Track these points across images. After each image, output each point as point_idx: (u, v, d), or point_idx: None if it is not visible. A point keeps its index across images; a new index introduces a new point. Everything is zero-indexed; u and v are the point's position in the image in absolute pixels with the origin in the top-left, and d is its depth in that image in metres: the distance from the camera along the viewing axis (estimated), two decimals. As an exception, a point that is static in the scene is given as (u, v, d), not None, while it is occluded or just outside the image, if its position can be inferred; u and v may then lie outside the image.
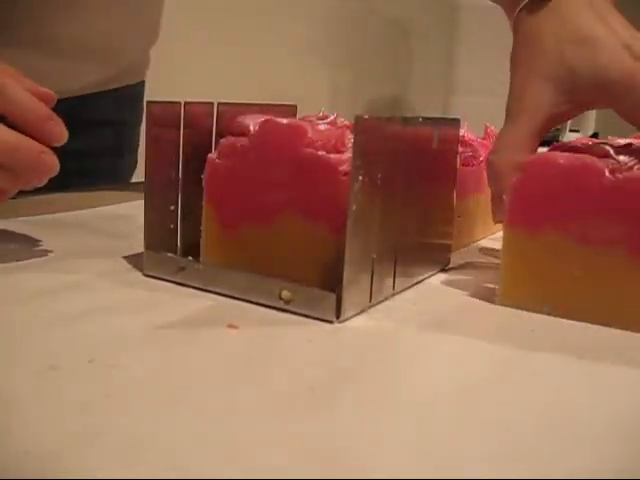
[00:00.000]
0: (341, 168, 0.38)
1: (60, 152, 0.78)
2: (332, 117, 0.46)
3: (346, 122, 0.46)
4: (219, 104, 0.45)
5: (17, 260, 0.44)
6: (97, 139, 0.79)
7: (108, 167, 0.80)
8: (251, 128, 0.41)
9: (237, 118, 0.42)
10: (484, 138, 0.62)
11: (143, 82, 0.83)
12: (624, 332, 0.37)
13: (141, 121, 0.84)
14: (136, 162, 0.85)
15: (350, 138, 0.41)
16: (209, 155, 0.42)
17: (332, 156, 0.39)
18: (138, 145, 0.85)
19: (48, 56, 0.65)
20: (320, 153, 0.39)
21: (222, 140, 0.42)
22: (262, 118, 0.41)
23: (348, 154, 0.39)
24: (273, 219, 0.41)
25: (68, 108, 0.74)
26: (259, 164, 0.40)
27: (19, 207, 0.58)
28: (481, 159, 0.57)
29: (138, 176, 0.84)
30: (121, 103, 0.80)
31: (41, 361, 0.29)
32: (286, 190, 0.40)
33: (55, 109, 0.72)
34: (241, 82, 1.50)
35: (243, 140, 0.41)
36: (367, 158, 0.36)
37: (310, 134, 0.39)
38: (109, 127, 0.79)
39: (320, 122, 0.43)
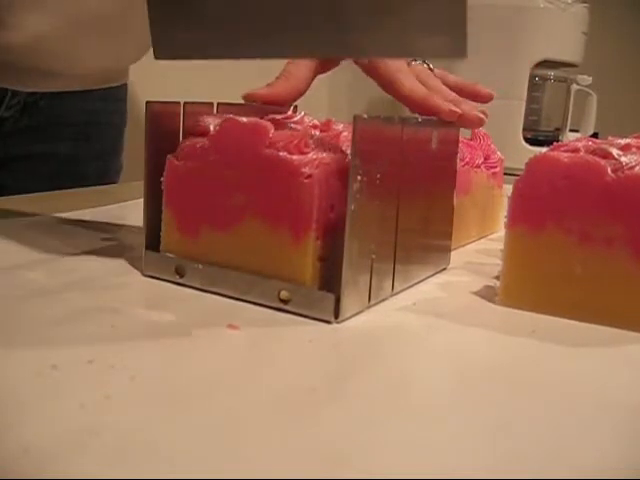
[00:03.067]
0: (303, 170, 0.36)
1: (51, 157, 0.78)
2: (299, 116, 0.43)
3: (315, 121, 0.44)
4: (219, 104, 0.45)
5: (17, 260, 0.44)
6: (86, 142, 0.79)
7: (97, 170, 0.80)
8: (211, 128, 0.39)
9: (198, 117, 0.40)
10: (471, 139, 0.61)
11: (126, 84, 0.83)
12: (626, 332, 0.37)
13: (126, 123, 0.84)
14: (122, 165, 0.85)
15: (315, 138, 0.39)
16: (168, 156, 0.40)
17: (294, 157, 0.37)
18: (123, 148, 0.85)
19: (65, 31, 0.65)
20: (281, 154, 0.37)
21: (182, 141, 0.40)
22: (224, 117, 0.39)
23: (312, 155, 0.37)
24: (234, 224, 0.39)
25: (59, 108, 0.74)
26: (219, 166, 0.39)
27: (19, 207, 0.58)
28: (467, 160, 0.56)
29: (125, 179, 0.84)
30: (108, 104, 0.80)
31: (41, 361, 0.29)
32: (247, 193, 0.38)
33: (47, 107, 0.72)
34: (241, 82, 1.50)
35: (203, 140, 0.39)
36: (366, 158, 0.36)
37: (271, 134, 0.37)
38: (97, 129, 0.80)
39: (286, 121, 0.41)
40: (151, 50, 0.39)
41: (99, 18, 0.67)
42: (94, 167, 0.80)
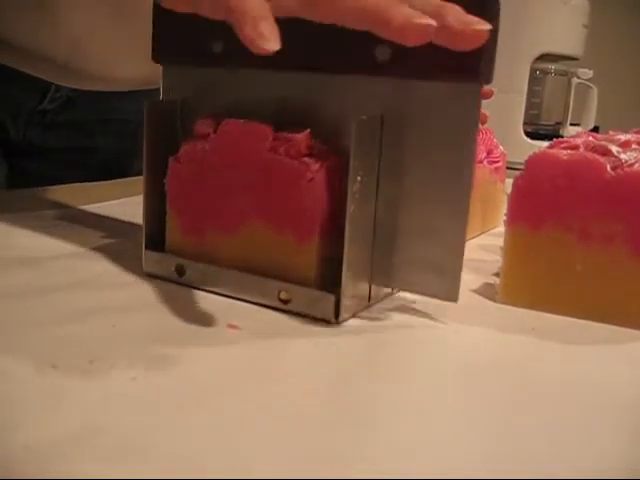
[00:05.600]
0: (306, 173, 0.36)
1: (91, 151, 0.78)
2: None
3: None
4: None
5: (17, 259, 0.44)
6: (127, 139, 0.80)
7: (135, 167, 0.81)
8: (211, 130, 0.39)
9: (199, 119, 0.40)
10: None
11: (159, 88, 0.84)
12: (626, 329, 0.37)
13: None
14: None
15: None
16: (170, 158, 0.40)
17: (296, 161, 0.37)
18: None
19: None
20: (283, 157, 0.37)
21: (183, 143, 0.40)
22: (224, 120, 0.39)
23: (314, 158, 0.37)
24: (238, 227, 0.39)
25: (101, 105, 0.75)
26: (220, 169, 0.39)
27: (18, 205, 0.58)
28: None
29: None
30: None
31: (41, 361, 0.29)
32: (250, 196, 0.38)
33: (88, 103, 0.73)
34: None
35: (204, 143, 0.39)
36: (366, 158, 0.36)
37: (272, 137, 0.37)
38: (138, 127, 0.80)
39: None
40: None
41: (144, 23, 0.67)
42: (133, 164, 0.81)
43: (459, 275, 0.36)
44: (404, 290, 0.37)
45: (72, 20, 0.64)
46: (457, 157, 0.35)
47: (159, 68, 0.70)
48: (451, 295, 0.37)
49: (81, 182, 0.69)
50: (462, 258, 0.36)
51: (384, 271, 0.38)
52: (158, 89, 0.83)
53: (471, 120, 0.35)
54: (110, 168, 0.79)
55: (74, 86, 0.72)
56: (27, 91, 0.71)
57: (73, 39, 0.65)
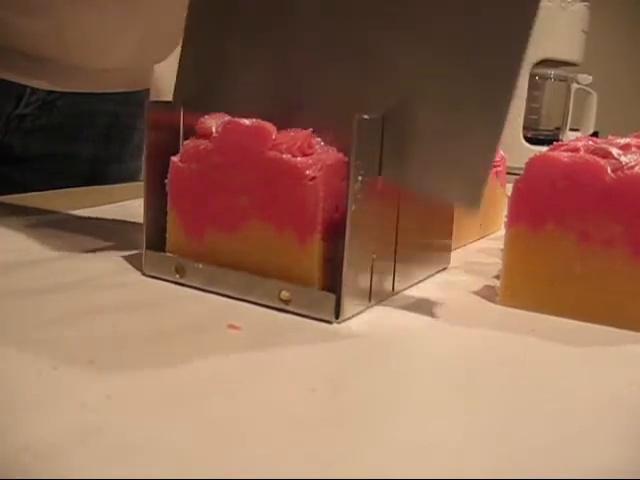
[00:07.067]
0: (307, 172, 0.36)
1: (71, 157, 0.78)
2: None
3: None
4: None
5: (17, 259, 0.44)
6: (107, 144, 0.80)
7: (117, 172, 0.81)
8: (213, 130, 0.39)
9: (200, 119, 0.40)
10: None
11: (149, 90, 0.83)
12: (625, 331, 0.37)
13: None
14: (141, 168, 0.86)
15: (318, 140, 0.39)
16: (172, 158, 0.41)
17: (298, 159, 0.37)
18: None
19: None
20: (285, 156, 0.37)
21: (185, 142, 0.40)
22: (226, 120, 0.39)
23: (315, 157, 0.37)
24: (239, 226, 0.39)
25: (78, 108, 0.75)
26: (222, 168, 0.39)
27: (19, 206, 0.58)
28: None
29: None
30: (130, 108, 0.80)
31: (41, 361, 0.29)
32: (251, 196, 0.38)
33: (65, 106, 0.72)
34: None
35: (206, 142, 0.39)
36: (367, 158, 0.36)
37: (274, 136, 0.37)
38: (119, 131, 0.80)
39: None
40: (175, 54, 0.39)
41: (124, 5, 0.66)
42: (115, 169, 0.81)
43: (485, 180, 0.32)
44: (417, 191, 0.33)
45: (56, 6, 0.63)
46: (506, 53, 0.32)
47: (144, 58, 0.70)
48: (473, 200, 0.33)
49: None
50: (492, 162, 0.33)
51: (397, 166, 0.35)
52: (143, 91, 0.83)
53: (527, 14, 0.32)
54: (94, 174, 0.79)
55: (49, 87, 0.71)
56: (1, 97, 0.70)
57: (56, 26, 0.64)
